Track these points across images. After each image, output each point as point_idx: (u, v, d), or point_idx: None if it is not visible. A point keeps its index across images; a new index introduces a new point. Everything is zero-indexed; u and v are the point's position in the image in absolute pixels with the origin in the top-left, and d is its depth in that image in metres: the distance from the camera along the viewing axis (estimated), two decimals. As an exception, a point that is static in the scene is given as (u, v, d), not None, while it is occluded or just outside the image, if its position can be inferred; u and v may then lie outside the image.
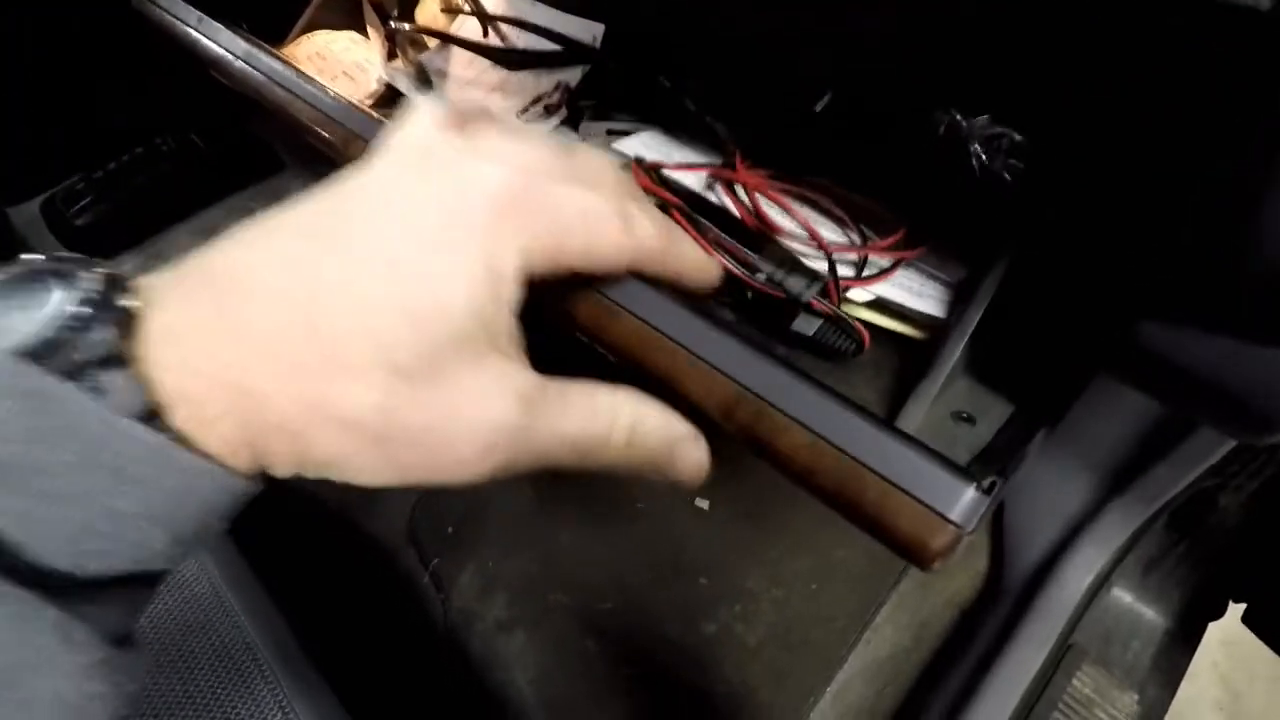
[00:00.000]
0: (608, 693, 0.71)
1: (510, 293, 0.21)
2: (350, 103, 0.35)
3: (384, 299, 0.19)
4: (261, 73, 0.38)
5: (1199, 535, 0.61)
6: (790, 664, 0.69)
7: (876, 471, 0.21)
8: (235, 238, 0.21)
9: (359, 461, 0.20)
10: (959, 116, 0.32)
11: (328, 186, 0.22)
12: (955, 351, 0.29)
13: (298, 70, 0.38)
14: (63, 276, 0.18)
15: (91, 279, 0.18)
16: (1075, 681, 0.59)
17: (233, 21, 0.44)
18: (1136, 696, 0.59)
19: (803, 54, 0.36)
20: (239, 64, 0.40)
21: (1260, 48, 0.19)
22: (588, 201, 0.22)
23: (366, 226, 0.20)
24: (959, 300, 0.32)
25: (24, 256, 0.19)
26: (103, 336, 0.17)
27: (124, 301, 0.18)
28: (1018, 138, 0.31)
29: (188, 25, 0.43)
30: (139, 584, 0.19)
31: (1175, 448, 0.49)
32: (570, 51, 0.54)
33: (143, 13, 0.46)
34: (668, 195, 0.35)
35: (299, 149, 0.74)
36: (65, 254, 0.19)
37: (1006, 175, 0.32)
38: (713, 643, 0.71)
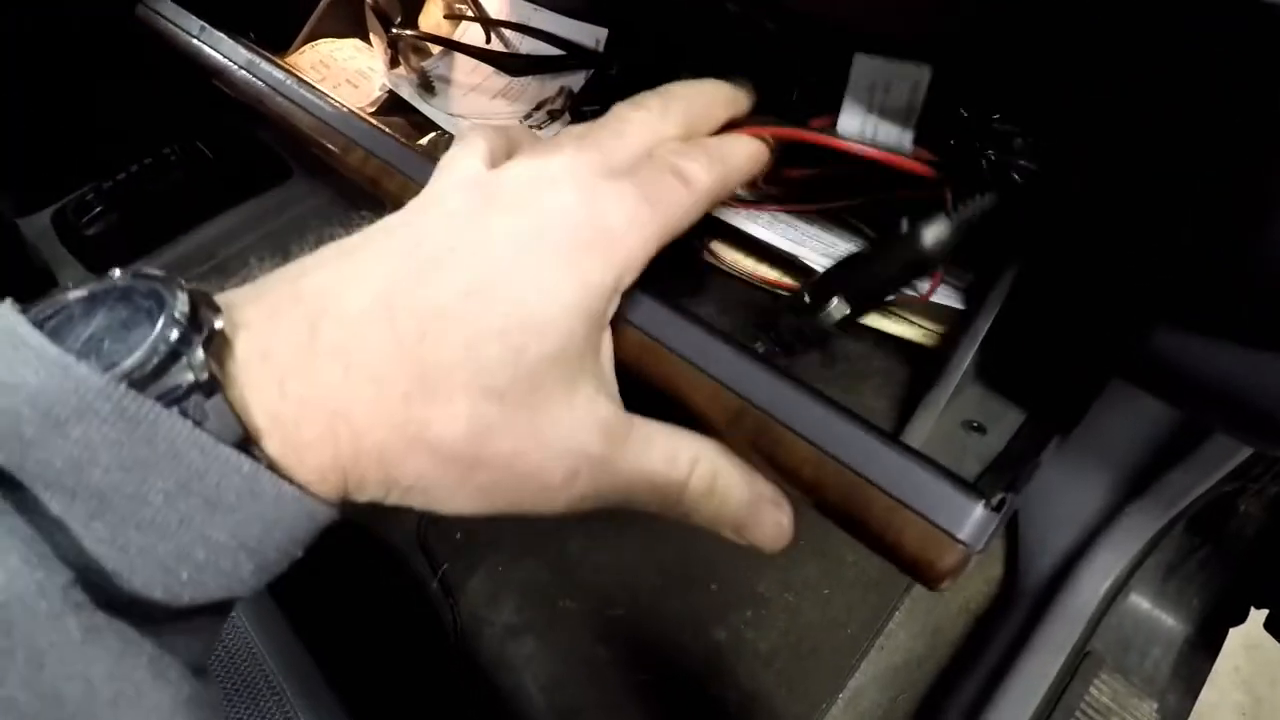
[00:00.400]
0: (618, 699, 0.70)
1: (605, 310, 0.22)
2: (350, 110, 0.35)
3: (480, 324, 0.19)
4: (263, 81, 0.38)
5: (1219, 540, 0.60)
6: (802, 671, 0.68)
7: (882, 488, 0.20)
8: (318, 259, 0.21)
9: (445, 486, 0.20)
10: (966, 116, 0.32)
11: (398, 218, 0.22)
12: (966, 359, 0.29)
13: (299, 78, 0.38)
14: (156, 297, 0.18)
15: (182, 300, 0.18)
16: (1093, 689, 0.58)
17: (238, 31, 0.44)
18: (1156, 705, 0.58)
19: (808, 58, 0.36)
20: (241, 73, 0.40)
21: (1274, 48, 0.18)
22: (649, 191, 0.22)
23: (454, 256, 0.20)
24: (968, 305, 0.31)
25: (115, 273, 0.19)
26: (200, 360, 0.17)
27: (215, 323, 0.18)
28: (1028, 138, 0.31)
29: (190, 35, 0.43)
30: (218, 612, 0.19)
31: (1194, 451, 0.48)
32: (573, 56, 0.53)
33: (145, 22, 0.46)
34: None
35: (306, 157, 0.74)
36: (150, 271, 0.19)
37: (1016, 176, 0.31)
38: (723, 649, 0.70)
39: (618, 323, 0.25)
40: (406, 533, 0.77)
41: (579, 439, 0.20)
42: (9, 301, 0.18)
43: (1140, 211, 0.27)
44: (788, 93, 0.37)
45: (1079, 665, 0.58)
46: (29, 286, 0.80)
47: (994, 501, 0.20)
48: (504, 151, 0.24)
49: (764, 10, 0.37)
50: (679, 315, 0.25)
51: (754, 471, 0.23)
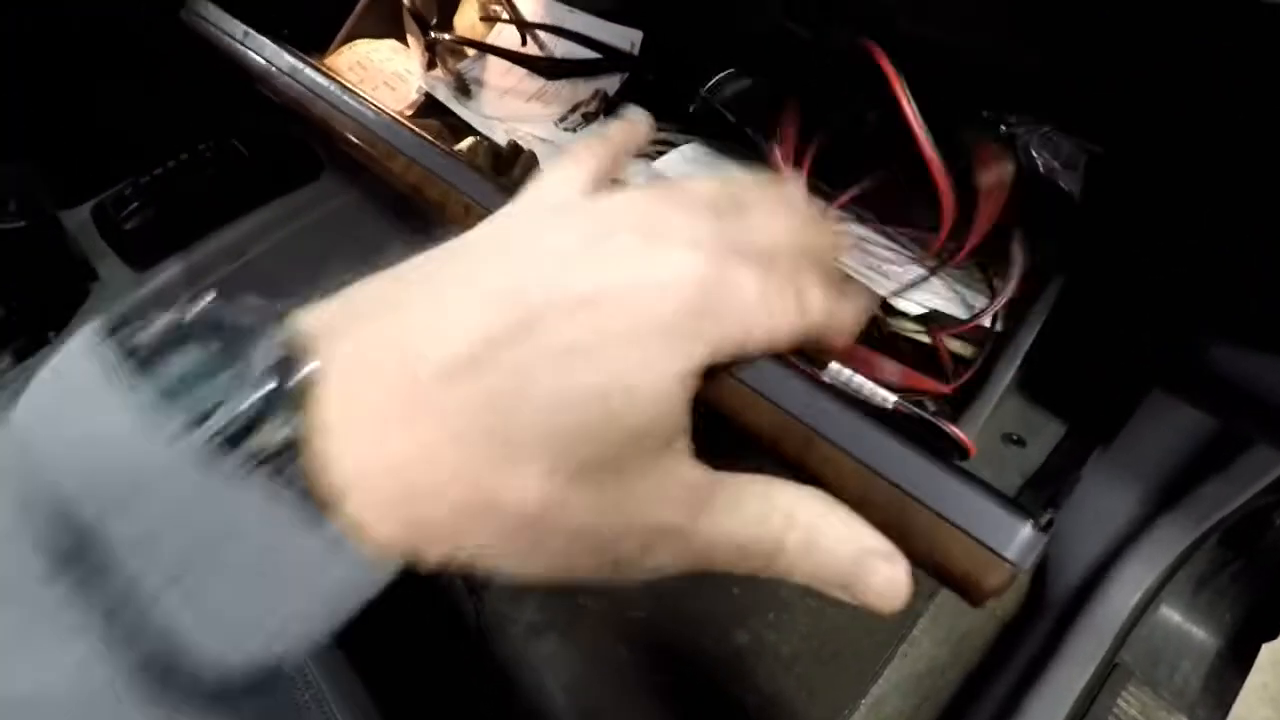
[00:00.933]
0: (638, 700, 0.71)
1: (693, 390, 0.20)
2: (393, 118, 0.35)
3: (566, 398, 0.18)
4: (306, 87, 0.39)
5: (1253, 554, 0.59)
6: (824, 676, 0.68)
7: (930, 506, 0.20)
8: (398, 289, 0.20)
9: (510, 556, 0.19)
10: (1017, 123, 0.31)
11: (487, 243, 0.21)
12: (1008, 373, 0.28)
13: (342, 84, 0.38)
14: (252, 336, 0.17)
15: (278, 344, 0.17)
16: (1121, 702, 0.57)
17: (275, 31, 0.45)
18: (1185, 719, 0.57)
19: (851, 63, 0.36)
20: (284, 79, 0.40)
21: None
22: (771, 292, 0.20)
23: (551, 315, 0.19)
24: (1011, 319, 0.31)
25: (208, 298, 0.18)
26: (287, 417, 0.17)
27: (307, 373, 0.17)
28: (1085, 146, 0.30)
29: (234, 39, 0.44)
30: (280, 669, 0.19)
31: (1231, 464, 0.48)
32: (608, 59, 0.53)
33: (190, 26, 0.47)
34: None
35: (341, 156, 0.75)
36: (248, 302, 0.18)
37: (1064, 185, 0.31)
38: (745, 652, 0.70)
39: None
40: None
41: (656, 511, 0.19)
42: (94, 325, 0.17)
43: (1193, 222, 0.27)
44: (853, 117, 0.36)
45: (1107, 677, 0.58)
46: (69, 277, 0.82)
47: (1042, 522, 0.20)
48: (605, 175, 0.23)
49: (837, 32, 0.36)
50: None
51: (860, 523, 0.21)
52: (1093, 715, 0.57)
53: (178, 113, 0.81)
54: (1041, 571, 0.64)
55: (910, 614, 0.68)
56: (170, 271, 0.81)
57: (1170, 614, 0.60)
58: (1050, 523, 0.20)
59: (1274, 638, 0.58)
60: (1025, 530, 0.20)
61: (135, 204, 0.79)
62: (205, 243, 0.82)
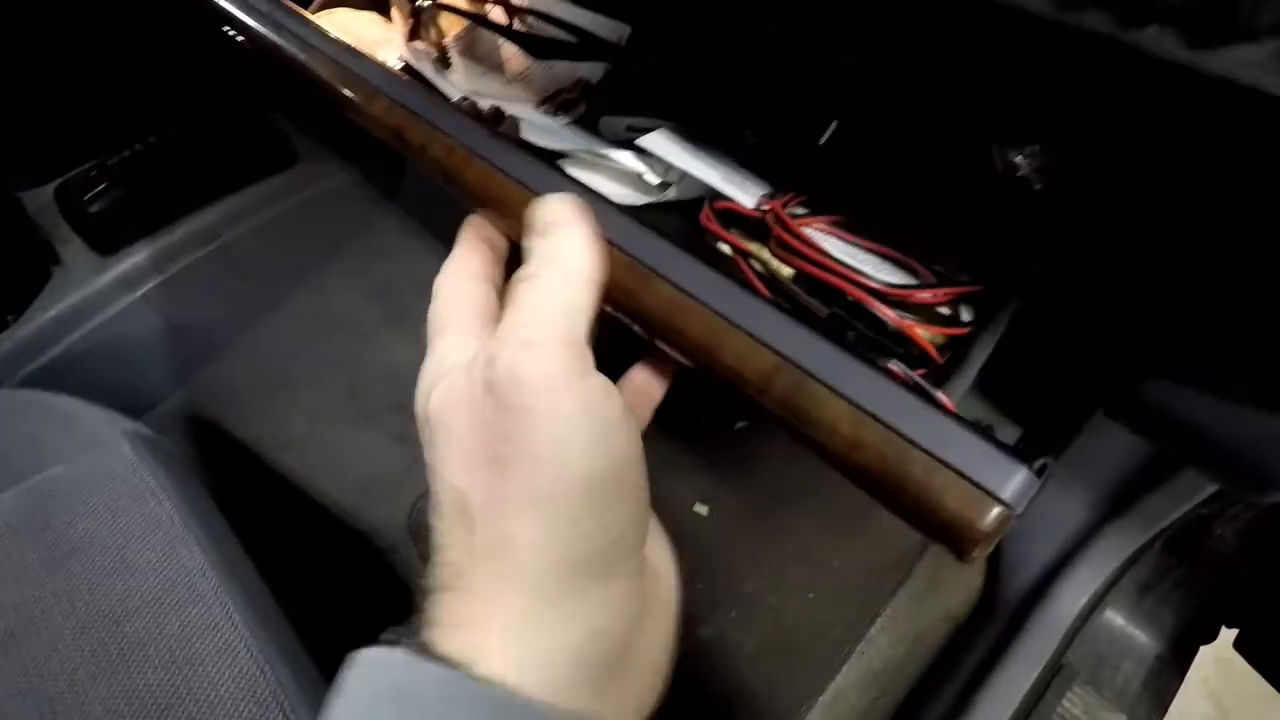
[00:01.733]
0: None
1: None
2: (375, 61, 0.34)
3: None
4: (283, 28, 0.37)
5: (1194, 561, 0.61)
6: (785, 671, 0.68)
7: (923, 447, 0.20)
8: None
9: None
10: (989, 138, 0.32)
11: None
12: (965, 383, 0.29)
13: (318, 28, 0.37)
14: None
15: None
16: (1065, 701, 0.59)
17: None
18: (1125, 718, 0.59)
19: (831, 69, 0.36)
20: (259, 19, 0.39)
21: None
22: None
23: None
24: (974, 329, 0.32)
25: None
26: None
27: None
28: (1047, 153, 0.31)
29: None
30: None
31: (1174, 476, 0.50)
32: (596, 47, 0.53)
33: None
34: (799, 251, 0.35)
35: (316, 142, 0.73)
36: None
37: (1032, 183, 0.32)
38: (708, 647, 0.70)
39: (649, 278, 0.25)
40: (397, 522, 0.75)
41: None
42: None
43: (1162, 254, 0.28)
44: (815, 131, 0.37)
45: (1053, 677, 0.59)
46: (29, 260, 0.78)
47: (1036, 466, 0.20)
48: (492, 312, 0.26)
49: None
50: (713, 270, 0.24)
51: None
52: (1039, 713, 0.58)
53: (147, 94, 0.78)
54: (993, 575, 0.66)
55: (868, 614, 0.69)
56: (137, 257, 0.78)
57: (1114, 618, 0.62)
58: (1044, 468, 0.20)
59: (1212, 641, 0.60)
60: (1021, 473, 0.20)
61: (102, 185, 0.76)
62: (175, 227, 0.80)
